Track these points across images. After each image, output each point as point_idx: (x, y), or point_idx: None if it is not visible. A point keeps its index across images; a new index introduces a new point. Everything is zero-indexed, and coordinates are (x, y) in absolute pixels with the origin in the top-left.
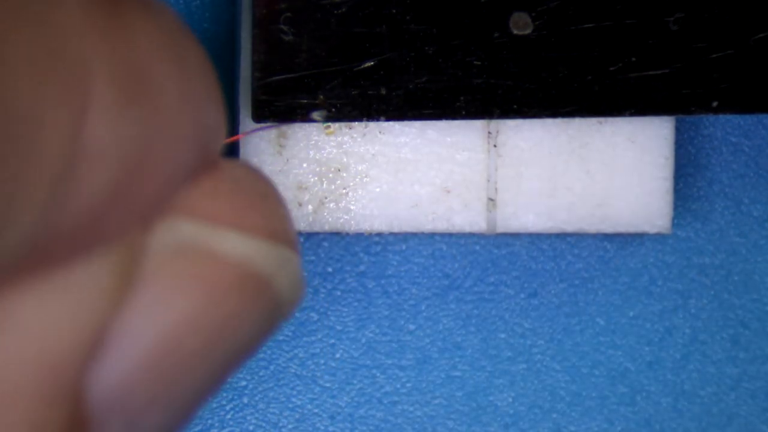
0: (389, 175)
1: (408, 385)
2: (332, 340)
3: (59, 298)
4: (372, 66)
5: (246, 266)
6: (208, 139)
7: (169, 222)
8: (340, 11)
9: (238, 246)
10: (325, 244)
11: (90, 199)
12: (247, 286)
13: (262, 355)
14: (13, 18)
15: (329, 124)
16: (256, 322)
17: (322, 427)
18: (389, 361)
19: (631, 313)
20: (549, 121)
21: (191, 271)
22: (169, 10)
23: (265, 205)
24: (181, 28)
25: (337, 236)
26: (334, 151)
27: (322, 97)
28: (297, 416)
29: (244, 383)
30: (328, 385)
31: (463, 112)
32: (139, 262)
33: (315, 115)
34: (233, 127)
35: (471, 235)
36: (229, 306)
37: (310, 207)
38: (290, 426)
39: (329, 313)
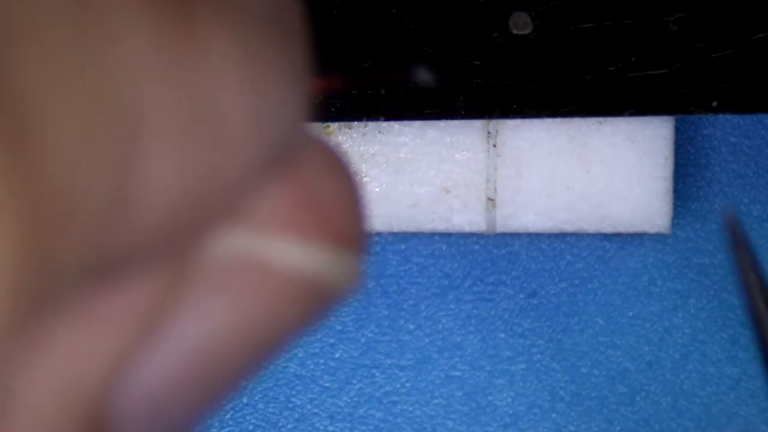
0: (388, 175)
1: (407, 384)
2: (332, 340)
3: (97, 319)
4: (372, 66)
5: (300, 279)
6: (280, 148)
7: (224, 231)
8: (340, 11)
9: (293, 258)
10: None
11: (146, 225)
12: (297, 299)
13: None
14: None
15: (329, 123)
16: (297, 324)
17: (322, 427)
18: (388, 361)
19: (631, 313)
20: (549, 121)
21: (240, 284)
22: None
23: (333, 207)
24: (271, 15)
25: None
26: None
27: (322, 97)
28: (296, 416)
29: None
30: (327, 384)
31: (463, 112)
32: (188, 272)
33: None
34: None
35: (470, 234)
36: (274, 317)
37: None
38: (289, 426)
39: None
